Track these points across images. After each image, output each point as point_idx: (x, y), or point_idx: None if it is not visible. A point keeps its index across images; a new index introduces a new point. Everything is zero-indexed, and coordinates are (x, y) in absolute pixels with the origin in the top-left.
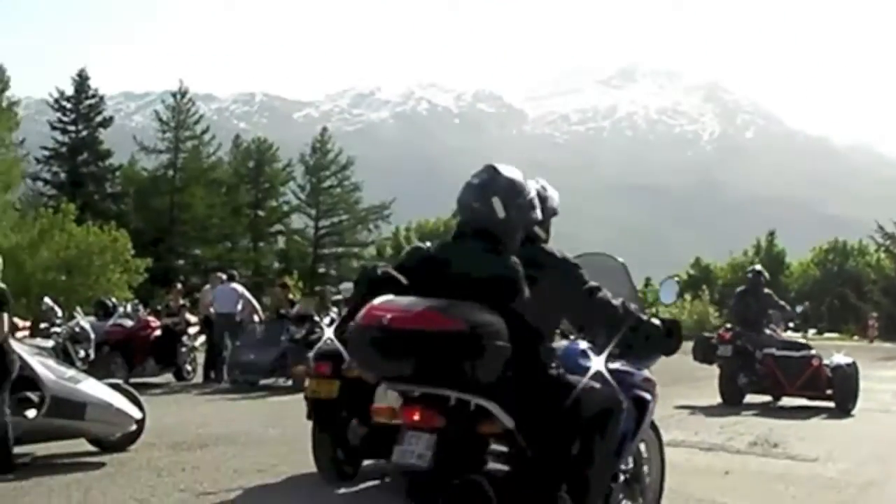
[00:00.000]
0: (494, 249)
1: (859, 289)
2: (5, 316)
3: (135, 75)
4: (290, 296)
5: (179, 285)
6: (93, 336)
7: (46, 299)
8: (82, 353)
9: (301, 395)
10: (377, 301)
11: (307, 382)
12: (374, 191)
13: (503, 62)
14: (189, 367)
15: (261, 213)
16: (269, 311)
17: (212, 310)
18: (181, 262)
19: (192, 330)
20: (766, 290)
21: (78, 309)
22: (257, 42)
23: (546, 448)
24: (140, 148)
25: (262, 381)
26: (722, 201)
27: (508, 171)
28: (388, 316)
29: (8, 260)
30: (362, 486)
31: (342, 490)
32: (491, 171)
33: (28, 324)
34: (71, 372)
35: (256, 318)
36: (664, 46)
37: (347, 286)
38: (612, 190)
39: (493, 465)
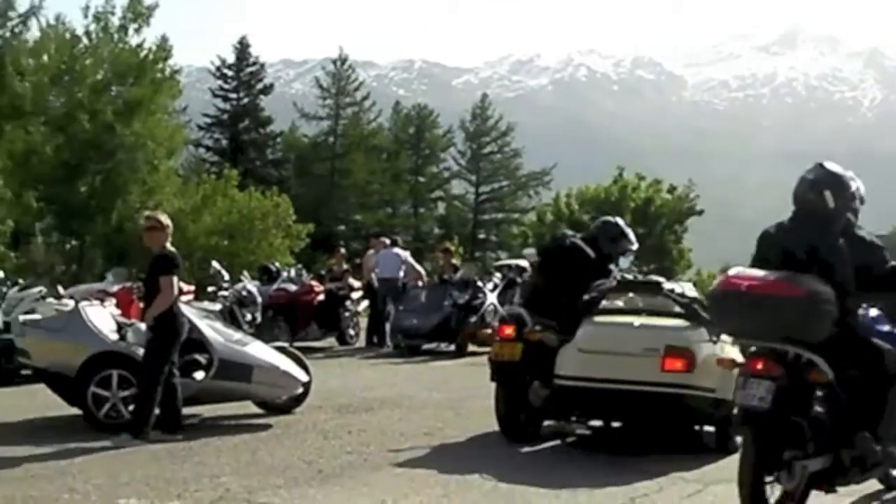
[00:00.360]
0: (823, 233)
1: None
2: (174, 279)
3: (294, 43)
4: (453, 261)
5: (343, 250)
6: (259, 300)
7: (214, 263)
8: (249, 317)
9: (464, 360)
10: (733, 272)
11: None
12: (533, 157)
13: (662, 28)
14: (352, 332)
15: (421, 179)
16: (431, 277)
17: (374, 274)
18: (342, 227)
19: (356, 295)
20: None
21: (245, 273)
22: (417, 9)
23: (856, 397)
24: (301, 115)
25: (425, 346)
26: (883, 168)
27: (834, 167)
28: (746, 284)
29: (172, 224)
30: (544, 445)
31: (525, 449)
32: (820, 168)
33: (192, 288)
34: (238, 335)
35: (420, 284)
36: (825, 12)
37: (531, 252)
38: (772, 157)
39: (815, 409)
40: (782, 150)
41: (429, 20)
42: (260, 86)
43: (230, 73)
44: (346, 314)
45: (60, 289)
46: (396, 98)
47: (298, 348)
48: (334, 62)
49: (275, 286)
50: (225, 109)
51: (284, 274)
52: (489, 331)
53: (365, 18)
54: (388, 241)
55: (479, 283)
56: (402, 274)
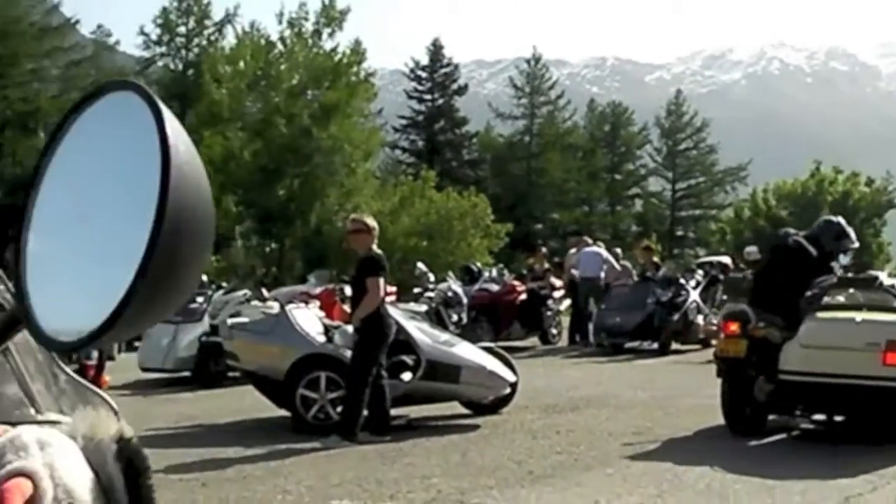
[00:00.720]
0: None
1: None
2: (381, 281)
3: (486, 43)
4: (654, 258)
5: (544, 249)
6: (465, 300)
7: (420, 265)
8: (455, 317)
9: (668, 359)
10: None
11: (715, 342)
12: (728, 153)
13: (855, 18)
14: (554, 331)
15: (618, 176)
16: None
17: (576, 273)
18: (539, 226)
19: (557, 294)
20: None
21: (450, 273)
22: (608, 5)
23: None
24: (496, 115)
25: (628, 344)
26: None
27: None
28: None
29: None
30: (770, 439)
31: (752, 443)
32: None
33: (394, 289)
34: (445, 336)
35: (630, 281)
36: None
37: (752, 250)
38: None
39: None
40: None
41: (620, 17)
42: (454, 86)
43: (424, 74)
44: (549, 313)
45: (265, 291)
46: (589, 96)
47: (502, 348)
48: (528, 61)
49: (477, 286)
50: (420, 111)
51: (486, 274)
52: (714, 327)
53: (556, 17)
54: (589, 240)
55: (682, 281)
56: (603, 273)
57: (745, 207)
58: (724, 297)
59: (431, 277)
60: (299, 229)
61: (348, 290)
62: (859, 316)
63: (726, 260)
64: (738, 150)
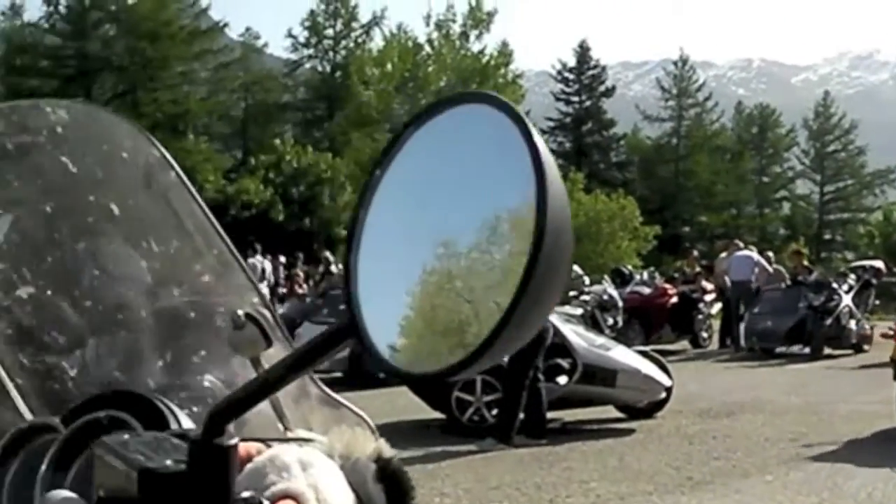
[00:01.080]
0: None
1: None
2: None
3: (632, 44)
4: (805, 263)
5: (695, 252)
6: (620, 304)
7: (576, 267)
8: (610, 321)
9: (820, 364)
10: None
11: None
12: (876, 155)
13: None
14: (705, 335)
15: (765, 179)
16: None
17: (726, 277)
18: (687, 229)
19: (709, 297)
20: None
21: (605, 277)
22: (752, 7)
23: None
24: (643, 117)
25: (779, 349)
26: None
27: None
28: None
29: None
30: None
31: None
32: None
33: None
34: (601, 339)
35: (782, 285)
36: None
37: None
38: None
39: None
40: None
41: (765, 18)
42: (602, 88)
43: (571, 76)
44: (700, 317)
45: None
46: (736, 97)
47: (654, 351)
48: (675, 63)
49: (628, 289)
50: (568, 113)
51: (637, 277)
52: (867, 332)
53: (701, 18)
54: (740, 244)
55: (835, 285)
56: (754, 276)
57: (894, 210)
58: (877, 302)
59: (587, 280)
60: None
61: None
62: None
63: (879, 264)
64: (887, 152)
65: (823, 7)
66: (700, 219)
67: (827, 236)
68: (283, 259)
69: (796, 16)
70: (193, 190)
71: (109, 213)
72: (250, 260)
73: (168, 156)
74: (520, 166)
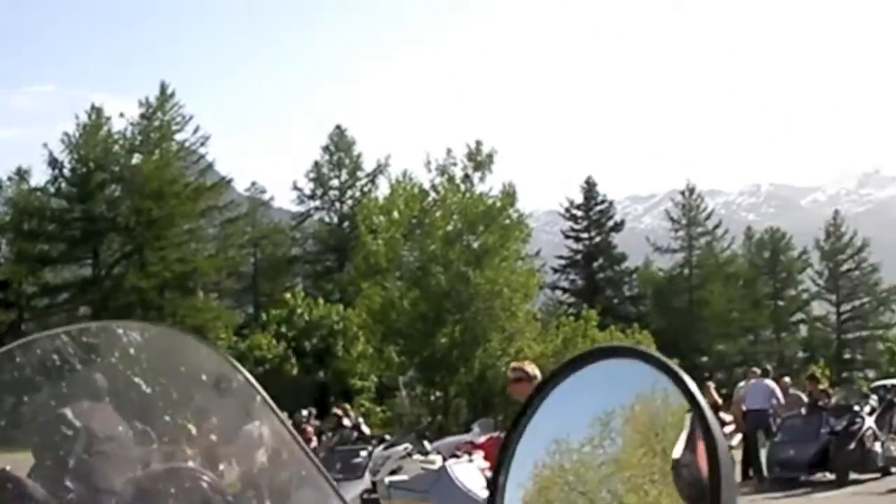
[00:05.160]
0: None
1: None
2: None
3: (639, 178)
4: (821, 386)
5: (710, 383)
6: None
7: None
8: None
9: (847, 490)
10: None
11: None
12: (891, 270)
13: None
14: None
15: (780, 302)
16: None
17: (743, 406)
18: (704, 358)
19: (728, 428)
20: None
21: None
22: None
23: None
24: (654, 249)
25: (803, 477)
26: None
27: None
28: None
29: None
30: None
31: None
32: None
33: None
34: None
35: (801, 411)
36: None
37: None
38: None
39: None
40: None
41: (770, 142)
42: (610, 223)
43: (580, 213)
44: None
45: (426, 444)
46: (746, 223)
47: None
48: (682, 193)
49: None
50: (578, 250)
51: None
52: (893, 453)
53: (707, 147)
54: (757, 370)
55: (856, 408)
56: (770, 405)
57: None
58: None
59: None
60: (462, 376)
61: None
62: None
63: None
64: None
65: (827, 127)
66: (717, 347)
67: (847, 356)
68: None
69: (801, 138)
70: (277, 409)
71: (187, 433)
72: (246, 427)
73: (251, 379)
74: (682, 431)
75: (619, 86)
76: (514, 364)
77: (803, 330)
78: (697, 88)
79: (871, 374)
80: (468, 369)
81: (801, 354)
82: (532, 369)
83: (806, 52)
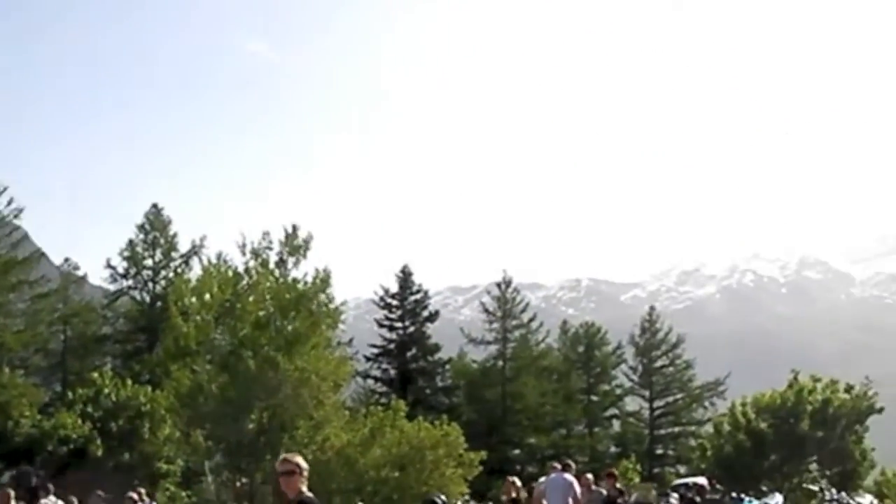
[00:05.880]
0: None
1: None
2: None
3: (460, 269)
4: (618, 485)
5: (513, 478)
6: None
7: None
8: None
9: None
10: None
11: None
12: (706, 367)
13: (825, 226)
14: None
15: (594, 397)
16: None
17: (544, 502)
18: (516, 451)
19: None
20: None
21: None
22: (581, 227)
23: None
24: (468, 340)
25: None
26: None
27: None
28: None
29: (340, 458)
30: None
31: None
32: None
33: None
34: None
35: None
36: None
37: None
38: None
39: None
40: None
41: (593, 238)
42: (425, 313)
43: (395, 302)
44: None
45: None
46: (566, 317)
47: None
48: (498, 285)
49: None
50: (391, 339)
51: None
52: None
53: (530, 241)
54: (557, 465)
55: None
56: (570, 500)
57: (724, 422)
58: None
59: None
60: (269, 463)
61: None
62: None
63: (702, 481)
64: (717, 364)
65: (649, 225)
66: (529, 441)
67: (659, 451)
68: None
69: (622, 234)
70: None
71: None
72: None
73: None
74: None
75: (444, 175)
76: (283, 455)
77: (616, 425)
78: (519, 182)
79: (682, 469)
80: (274, 456)
81: (613, 449)
82: (301, 462)
83: (628, 152)
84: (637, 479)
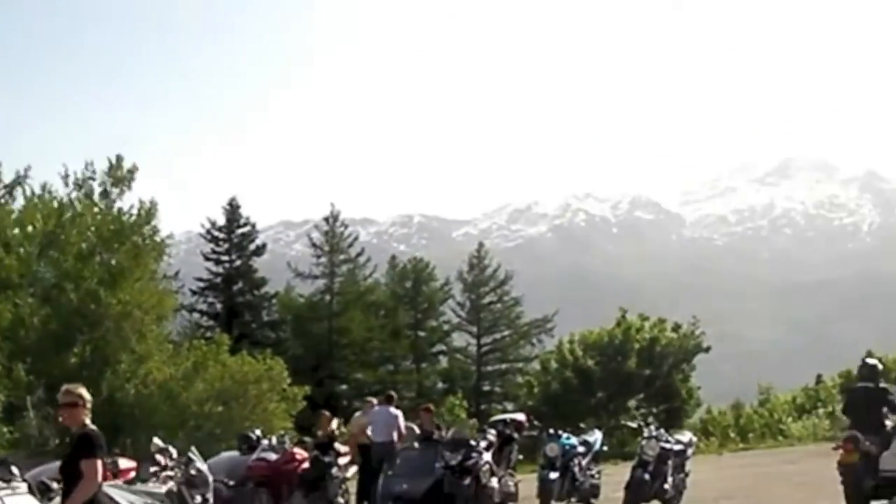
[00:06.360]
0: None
1: None
2: (98, 463)
3: (293, 204)
4: (434, 419)
5: (328, 413)
6: (210, 479)
7: (156, 440)
8: (199, 499)
9: None
10: None
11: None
12: (536, 305)
13: (658, 167)
14: (341, 500)
15: (421, 333)
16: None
17: (369, 436)
18: (343, 387)
19: (343, 461)
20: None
21: (193, 449)
22: (414, 164)
23: None
24: (295, 274)
25: None
26: (888, 292)
27: (874, 361)
28: None
29: (163, 392)
30: None
31: None
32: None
33: (133, 465)
34: None
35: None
36: (817, 139)
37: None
38: (775, 289)
39: None
40: (786, 281)
41: (425, 174)
42: (252, 247)
43: (221, 235)
44: (334, 481)
45: (15, 470)
46: (397, 253)
47: None
48: (326, 219)
49: (254, 456)
50: (218, 273)
51: (265, 442)
52: (511, 489)
53: (361, 177)
54: (374, 401)
55: (472, 442)
56: (397, 435)
57: (551, 359)
58: (521, 457)
59: (174, 453)
60: (92, 398)
61: (123, 463)
62: None
63: (521, 417)
64: (547, 303)
65: (482, 162)
66: (356, 376)
67: (486, 388)
68: None
69: (455, 171)
70: None
71: None
72: None
73: None
74: None
75: (278, 109)
76: (66, 386)
77: (443, 361)
78: (353, 116)
79: (509, 406)
80: (97, 391)
81: (440, 385)
82: (85, 393)
83: (460, 88)
84: (463, 416)
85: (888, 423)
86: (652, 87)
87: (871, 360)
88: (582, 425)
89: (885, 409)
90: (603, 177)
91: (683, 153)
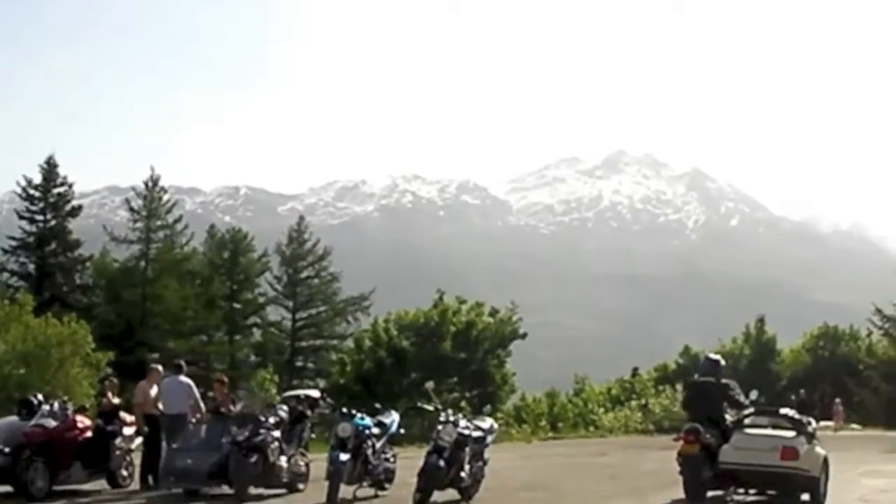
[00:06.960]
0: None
1: (857, 375)
2: None
3: (121, 170)
4: (227, 392)
5: (115, 380)
6: None
7: None
8: None
9: None
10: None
11: None
12: (358, 283)
13: (487, 153)
14: (125, 472)
15: (236, 304)
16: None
17: (160, 407)
18: (155, 355)
19: (128, 430)
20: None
21: None
22: (243, 137)
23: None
24: (111, 238)
25: (204, 490)
26: (708, 289)
27: (717, 357)
28: None
29: None
30: None
31: None
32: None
33: None
34: None
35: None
36: (646, 135)
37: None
38: (598, 280)
39: None
40: (609, 273)
41: (255, 147)
42: (68, 207)
43: (37, 193)
44: (118, 452)
45: None
46: (221, 225)
47: (60, 492)
48: (145, 184)
49: (32, 422)
50: (31, 232)
51: (45, 408)
52: (302, 468)
53: (192, 145)
54: (160, 369)
55: (261, 418)
56: (190, 405)
57: (365, 338)
58: (314, 436)
59: None
60: None
61: None
62: (765, 431)
63: (315, 394)
64: (369, 282)
65: (311, 138)
66: (168, 345)
67: (299, 363)
68: None
69: (284, 145)
70: None
71: None
72: None
73: None
74: None
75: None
76: None
77: (257, 334)
78: (179, 85)
79: (322, 383)
80: None
81: (253, 358)
82: None
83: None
84: (274, 390)
85: (728, 417)
86: (481, 74)
87: (713, 356)
88: (377, 405)
89: (725, 404)
90: (431, 159)
91: (512, 141)
